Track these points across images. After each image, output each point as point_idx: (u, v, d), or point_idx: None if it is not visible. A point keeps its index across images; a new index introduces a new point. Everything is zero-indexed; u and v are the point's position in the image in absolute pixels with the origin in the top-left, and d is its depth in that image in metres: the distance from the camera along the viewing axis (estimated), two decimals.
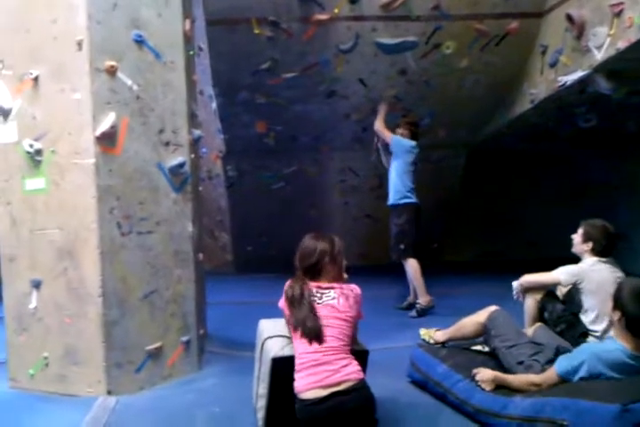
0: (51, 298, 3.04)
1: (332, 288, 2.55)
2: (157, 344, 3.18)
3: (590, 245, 3.38)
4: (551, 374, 2.57)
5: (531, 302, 3.56)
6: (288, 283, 2.61)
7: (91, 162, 2.92)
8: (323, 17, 4.88)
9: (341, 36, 5.06)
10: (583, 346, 2.69)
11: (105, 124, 2.91)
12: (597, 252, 3.38)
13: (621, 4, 3.92)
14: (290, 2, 4.81)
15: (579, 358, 2.51)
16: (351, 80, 5.43)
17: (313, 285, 2.56)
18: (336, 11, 4.89)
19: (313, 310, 2.47)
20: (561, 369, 2.55)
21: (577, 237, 3.46)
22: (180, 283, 3.32)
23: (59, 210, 2.99)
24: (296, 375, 2.42)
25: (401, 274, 5.00)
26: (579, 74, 4.48)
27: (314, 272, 2.58)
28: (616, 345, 2.46)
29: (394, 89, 5.47)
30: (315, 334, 2.43)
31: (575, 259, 3.48)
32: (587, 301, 3.32)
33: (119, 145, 3.00)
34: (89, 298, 2.97)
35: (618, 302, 2.45)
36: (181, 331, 3.34)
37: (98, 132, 2.90)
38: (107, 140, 2.94)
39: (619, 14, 3.96)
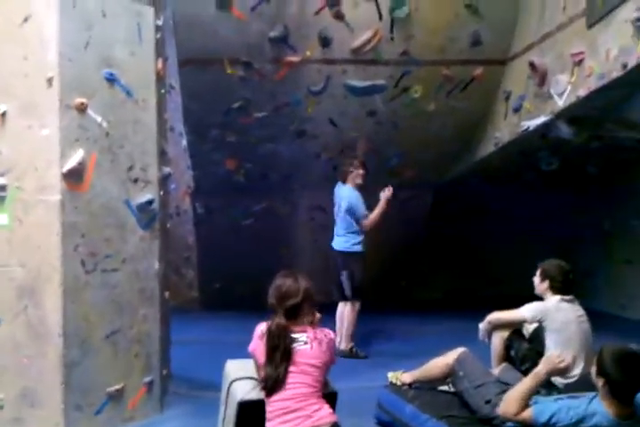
0: (9, 337, 2.93)
1: (305, 332, 2.46)
2: (119, 386, 3.09)
3: (547, 283, 3.45)
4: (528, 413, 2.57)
5: (497, 341, 3.58)
6: (265, 325, 2.48)
7: (56, 198, 2.88)
8: (294, 59, 5.00)
9: (312, 78, 5.18)
10: (572, 402, 2.60)
11: (72, 161, 2.90)
12: (557, 289, 3.44)
13: (581, 53, 4.11)
14: (262, 43, 4.92)
15: (559, 410, 2.53)
16: (321, 120, 5.53)
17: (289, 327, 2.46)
18: (308, 53, 5.02)
19: (288, 358, 2.38)
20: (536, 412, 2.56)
21: (536, 278, 3.54)
22: (145, 322, 3.26)
23: (21, 247, 2.92)
24: (268, 424, 2.34)
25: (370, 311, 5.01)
26: (541, 119, 4.63)
27: (292, 313, 2.47)
28: (601, 408, 2.45)
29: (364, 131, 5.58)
30: (273, 383, 2.36)
31: (540, 298, 3.54)
32: (550, 339, 3.36)
33: (86, 182, 2.98)
34: (49, 337, 2.88)
35: (600, 369, 2.44)
36: (144, 371, 3.25)
37: (65, 169, 2.88)
38: (74, 176, 2.92)
39: (579, 63, 4.14)
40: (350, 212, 4.85)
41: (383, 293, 6.57)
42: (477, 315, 3.61)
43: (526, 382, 2.69)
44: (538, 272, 3.53)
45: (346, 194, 4.90)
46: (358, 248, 4.89)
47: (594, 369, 2.51)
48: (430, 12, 4.99)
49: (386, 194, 4.93)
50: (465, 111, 5.55)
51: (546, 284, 3.46)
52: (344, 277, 4.88)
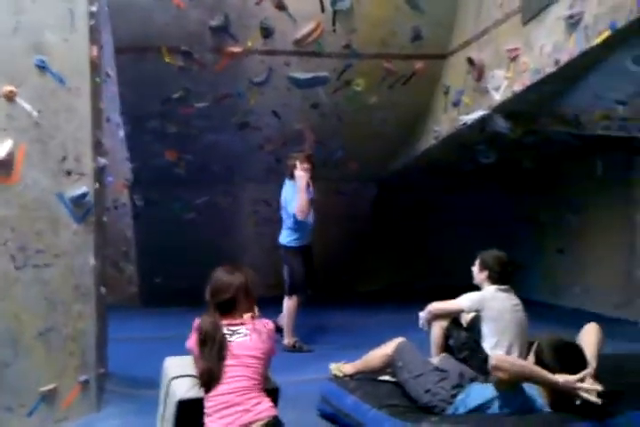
0: None
1: (244, 324, 2.46)
2: (52, 385, 2.97)
3: (486, 273, 3.55)
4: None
5: (437, 330, 3.67)
6: (198, 321, 2.48)
7: None
8: (236, 49, 4.92)
9: (255, 69, 5.12)
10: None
11: (0, 152, 2.76)
12: (494, 279, 3.55)
13: (517, 49, 4.22)
14: (202, 32, 4.83)
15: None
16: (264, 112, 5.48)
17: (224, 322, 2.45)
18: (249, 44, 4.95)
19: (222, 352, 2.37)
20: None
21: (475, 268, 3.64)
22: (80, 319, 3.15)
23: None
24: (206, 419, 2.31)
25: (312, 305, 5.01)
26: (479, 113, 4.74)
27: (227, 308, 2.47)
28: (537, 396, 2.56)
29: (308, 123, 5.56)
30: (209, 379, 2.34)
31: (477, 288, 3.64)
32: (487, 328, 3.46)
33: (15, 173, 2.84)
34: None
35: (539, 359, 2.54)
36: (79, 370, 3.15)
37: None
38: (2, 168, 2.78)
39: (515, 59, 4.25)
40: (284, 206, 4.81)
41: (326, 286, 6.59)
42: (418, 306, 3.68)
43: (546, 375, 2.46)
44: (477, 262, 3.63)
45: (284, 190, 4.85)
46: (294, 244, 4.87)
47: (532, 359, 2.60)
48: (372, 5, 5.02)
49: (299, 175, 4.66)
50: (406, 105, 5.62)
51: (484, 274, 3.57)
52: (284, 271, 4.88)
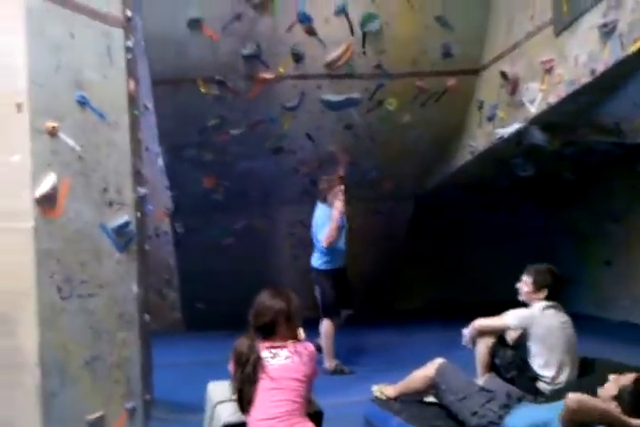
0: None
1: (285, 347, 2.47)
2: (99, 413, 3.01)
3: (545, 292, 3.43)
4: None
5: (482, 348, 3.58)
6: (237, 342, 2.52)
7: (29, 225, 2.82)
8: (268, 76, 5.01)
9: (287, 94, 5.19)
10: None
11: (45, 186, 2.84)
12: (544, 296, 3.45)
13: (551, 60, 4.17)
14: (235, 61, 4.93)
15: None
16: (298, 135, 5.54)
17: (265, 344, 2.47)
18: (281, 69, 5.04)
19: (256, 374, 2.38)
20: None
21: (525, 286, 3.52)
22: (125, 347, 3.20)
23: None
24: None
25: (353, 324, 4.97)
26: (514, 127, 4.69)
27: (267, 331, 2.49)
28: None
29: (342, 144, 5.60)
30: (242, 402, 2.34)
31: (522, 303, 3.55)
32: (534, 346, 3.37)
33: (59, 207, 2.93)
34: (26, 367, 2.80)
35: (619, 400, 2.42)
36: (125, 397, 3.18)
37: (37, 194, 2.83)
38: (47, 202, 2.87)
39: (549, 71, 4.20)
40: (314, 231, 4.86)
41: (366, 305, 6.53)
42: (458, 323, 3.61)
43: (621, 419, 2.36)
44: (529, 280, 3.50)
45: (316, 213, 4.90)
46: (325, 266, 4.87)
47: (607, 393, 2.43)
48: (401, 25, 5.05)
49: (336, 206, 4.76)
50: (440, 122, 5.60)
51: (542, 293, 3.44)
52: (317, 293, 4.88)
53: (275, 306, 2.50)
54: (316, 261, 4.91)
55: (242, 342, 2.47)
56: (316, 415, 2.51)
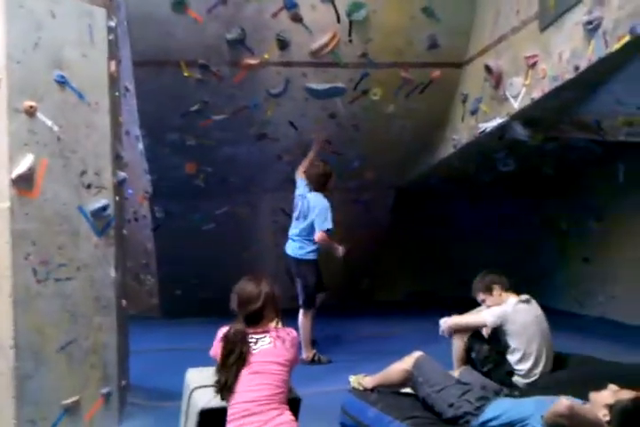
0: None
1: (267, 332, 2.49)
2: (74, 398, 2.99)
3: (497, 289, 3.51)
4: None
5: (458, 343, 3.63)
6: (224, 331, 2.50)
7: (5, 205, 2.77)
8: (252, 61, 4.94)
9: (271, 81, 5.14)
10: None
11: (22, 166, 2.79)
12: (510, 291, 3.51)
13: (535, 56, 4.18)
14: (219, 46, 4.86)
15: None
16: (282, 123, 5.49)
17: (249, 331, 2.48)
18: (266, 56, 4.97)
19: (243, 363, 2.38)
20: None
21: (484, 298, 3.63)
22: (101, 331, 3.17)
23: None
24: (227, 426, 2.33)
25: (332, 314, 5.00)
26: (497, 121, 4.70)
27: (255, 318, 2.49)
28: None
29: (325, 132, 5.57)
30: (223, 388, 2.34)
31: None
32: (512, 341, 3.41)
33: (37, 187, 2.88)
34: (0, 350, 2.77)
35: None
36: (101, 382, 3.16)
37: (14, 175, 2.77)
38: (23, 182, 2.82)
39: (533, 66, 4.21)
40: (319, 221, 4.70)
41: (345, 295, 6.56)
42: (438, 316, 3.64)
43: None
44: (480, 293, 3.59)
45: (320, 202, 4.76)
46: (313, 256, 4.82)
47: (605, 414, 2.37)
48: (387, 14, 5.01)
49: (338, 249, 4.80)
50: (424, 113, 5.60)
51: (496, 292, 3.53)
52: (298, 285, 4.83)
53: (262, 292, 2.51)
54: (300, 250, 4.81)
55: (233, 331, 2.46)
56: (293, 402, 2.53)
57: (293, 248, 4.86)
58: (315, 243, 4.77)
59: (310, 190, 4.88)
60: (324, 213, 4.69)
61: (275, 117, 5.41)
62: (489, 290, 3.57)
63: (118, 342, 3.30)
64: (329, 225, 4.67)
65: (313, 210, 4.76)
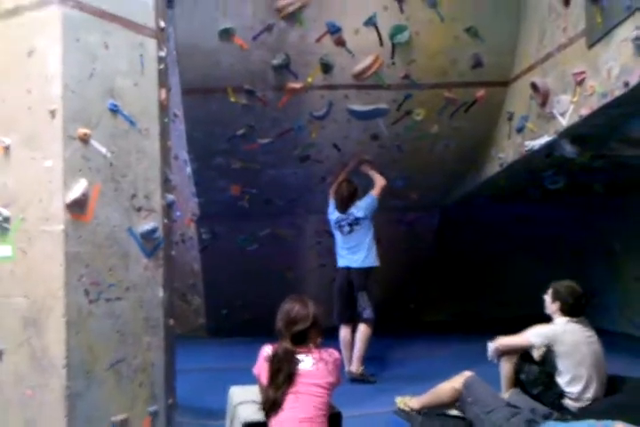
0: (12, 369, 2.92)
1: (310, 353, 2.50)
2: (123, 416, 3.05)
3: (558, 304, 3.42)
4: None
5: (507, 365, 3.54)
6: (269, 349, 2.53)
7: (60, 229, 2.89)
8: (296, 86, 5.04)
9: (315, 104, 5.22)
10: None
11: (76, 192, 2.91)
12: (566, 312, 3.40)
13: (583, 73, 4.12)
14: (265, 71, 4.98)
15: None
16: (325, 145, 5.56)
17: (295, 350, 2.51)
18: (309, 80, 5.06)
19: (291, 382, 2.40)
20: None
21: (547, 298, 3.51)
22: (150, 351, 3.23)
23: (25, 278, 2.92)
24: None
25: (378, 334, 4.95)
26: (545, 139, 4.63)
27: (300, 338, 2.53)
28: None
29: (367, 153, 5.61)
30: (272, 406, 2.36)
31: (548, 317, 3.50)
32: (561, 363, 3.31)
33: (89, 212, 2.99)
34: (52, 369, 2.86)
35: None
36: (149, 401, 3.21)
37: (68, 200, 2.89)
38: (77, 206, 2.93)
39: (581, 83, 4.15)
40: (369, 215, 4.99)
41: (390, 315, 6.50)
42: (486, 337, 3.58)
43: None
44: (550, 292, 3.50)
45: (361, 201, 5.07)
46: (378, 262, 4.95)
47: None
48: (430, 36, 5.04)
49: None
50: (468, 133, 5.57)
51: (556, 305, 3.44)
52: (363, 297, 4.83)
53: (310, 314, 2.56)
54: (367, 259, 4.93)
55: (280, 350, 2.50)
56: (334, 417, 2.52)
57: (358, 259, 4.93)
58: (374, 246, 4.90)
59: (338, 210, 5.08)
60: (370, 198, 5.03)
61: (318, 139, 5.49)
62: (555, 298, 3.47)
63: (166, 361, 3.35)
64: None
65: (360, 208, 5.00)
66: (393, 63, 5.09)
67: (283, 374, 2.41)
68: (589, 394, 3.25)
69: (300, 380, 2.41)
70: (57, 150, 2.91)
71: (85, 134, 2.98)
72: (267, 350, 2.54)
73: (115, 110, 3.14)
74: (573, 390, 3.26)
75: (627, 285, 6.47)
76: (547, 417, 2.91)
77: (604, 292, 6.57)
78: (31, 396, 2.88)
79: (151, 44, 3.41)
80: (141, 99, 3.30)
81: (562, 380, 3.31)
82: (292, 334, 2.52)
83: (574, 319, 3.39)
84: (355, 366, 4.70)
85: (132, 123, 3.22)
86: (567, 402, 3.28)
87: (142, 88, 3.31)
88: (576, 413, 3.16)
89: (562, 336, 3.31)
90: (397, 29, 4.94)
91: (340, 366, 2.59)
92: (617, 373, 3.54)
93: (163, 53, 3.59)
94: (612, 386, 3.38)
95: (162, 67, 3.56)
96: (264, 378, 2.47)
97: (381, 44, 5.00)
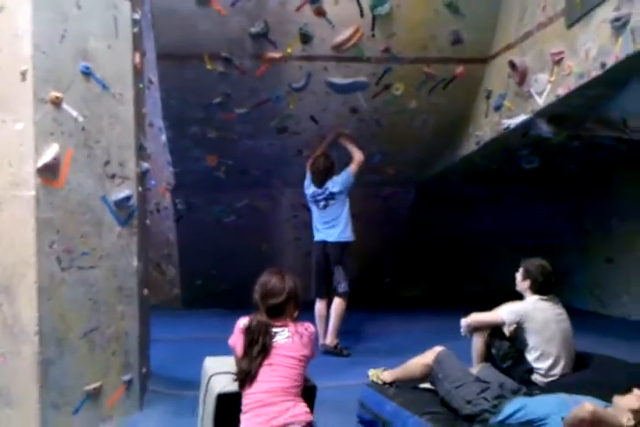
0: None
1: (286, 326, 2.51)
2: (97, 384, 3.05)
3: (528, 282, 3.47)
4: None
5: (478, 341, 3.60)
6: (245, 321, 2.54)
7: (31, 194, 2.82)
8: (275, 55, 4.95)
9: (294, 75, 5.14)
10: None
11: (47, 156, 2.84)
12: (537, 290, 3.46)
13: (561, 52, 4.12)
14: (243, 39, 4.87)
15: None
16: (303, 117, 5.49)
17: (270, 323, 2.50)
18: (289, 50, 4.97)
19: (266, 354, 2.41)
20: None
21: (518, 276, 3.56)
22: (123, 320, 3.22)
23: None
24: (242, 416, 2.35)
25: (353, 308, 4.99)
26: (521, 118, 4.64)
27: (276, 311, 2.53)
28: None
29: (347, 128, 5.58)
30: (246, 377, 2.37)
31: (521, 295, 3.56)
32: (530, 339, 3.38)
33: (62, 177, 2.92)
34: (24, 336, 2.82)
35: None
36: (123, 370, 3.21)
37: (39, 164, 2.82)
38: (49, 171, 2.86)
39: (559, 62, 4.15)
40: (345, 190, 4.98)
41: (366, 290, 6.55)
42: (459, 312, 3.63)
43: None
44: (520, 270, 3.55)
45: (338, 177, 5.05)
46: (353, 236, 4.95)
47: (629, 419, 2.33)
48: (411, 9, 4.96)
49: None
50: (446, 109, 5.56)
51: (527, 283, 3.49)
52: (339, 271, 4.86)
53: (287, 287, 2.55)
54: (344, 233, 4.93)
55: (256, 322, 2.49)
56: (309, 390, 2.54)
57: (334, 234, 4.94)
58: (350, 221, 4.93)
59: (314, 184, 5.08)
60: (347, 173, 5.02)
61: (296, 111, 5.42)
62: (525, 276, 3.52)
63: (140, 330, 3.35)
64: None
65: (336, 183, 4.99)
66: (373, 35, 5.02)
67: (258, 346, 2.42)
68: (557, 370, 3.34)
69: (275, 352, 2.42)
70: (28, 113, 2.82)
71: (57, 97, 2.89)
72: (243, 321, 2.54)
73: (87, 73, 3.05)
74: (542, 365, 3.34)
75: (597, 265, 6.61)
76: (515, 392, 2.96)
77: (576, 271, 6.71)
78: (3, 363, 2.85)
79: (125, 5, 3.31)
80: (115, 62, 3.22)
81: (531, 356, 3.38)
82: (268, 306, 2.52)
83: (544, 297, 3.45)
84: (329, 340, 4.76)
85: (104, 87, 3.14)
86: (536, 377, 3.36)
87: (116, 51, 3.22)
88: (544, 388, 3.24)
89: (532, 313, 3.37)
90: (378, 1, 4.86)
91: (314, 340, 2.60)
92: (585, 350, 3.63)
93: (137, 16, 3.50)
94: (579, 363, 3.46)
95: (136, 30, 3.47)
96: (239, 349, 2.48)
97: (362, 15, 4.92)
